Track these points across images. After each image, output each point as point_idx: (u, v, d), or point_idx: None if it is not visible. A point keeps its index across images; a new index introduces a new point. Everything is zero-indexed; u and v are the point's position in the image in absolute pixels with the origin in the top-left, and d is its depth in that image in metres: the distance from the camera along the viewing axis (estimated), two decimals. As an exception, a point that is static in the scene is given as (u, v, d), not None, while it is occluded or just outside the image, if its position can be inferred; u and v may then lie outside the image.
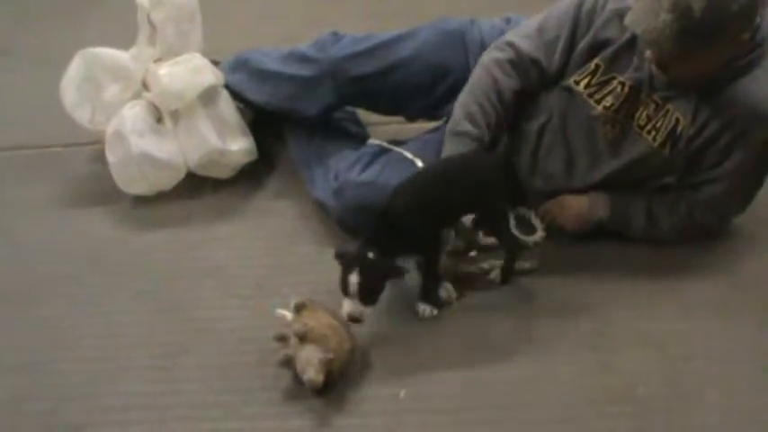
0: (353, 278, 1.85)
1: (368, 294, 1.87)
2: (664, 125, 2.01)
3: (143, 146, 2.36)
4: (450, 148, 2.09)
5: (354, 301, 1.87)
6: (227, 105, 2.46)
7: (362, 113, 2.52)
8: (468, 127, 2.09)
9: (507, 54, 2.11)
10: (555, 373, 1.89)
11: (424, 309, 2.02)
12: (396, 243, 1.91)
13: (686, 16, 1.77)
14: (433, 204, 1.94)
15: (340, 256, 1.91)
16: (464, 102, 2.12)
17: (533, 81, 2.12)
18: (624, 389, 1.84)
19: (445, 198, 1.95)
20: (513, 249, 2.05)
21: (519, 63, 2.10)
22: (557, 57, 2.08)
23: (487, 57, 2.14)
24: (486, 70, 2.12)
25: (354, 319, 1.88)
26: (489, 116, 2.09)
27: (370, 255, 1.87)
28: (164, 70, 2.42)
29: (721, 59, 1.91)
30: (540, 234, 2.11)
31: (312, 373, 1.80)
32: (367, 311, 1.89)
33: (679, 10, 1.77)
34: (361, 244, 1.90)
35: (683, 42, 1.82)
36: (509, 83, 2.10)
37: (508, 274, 2.06)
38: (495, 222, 2.02)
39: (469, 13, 2.39)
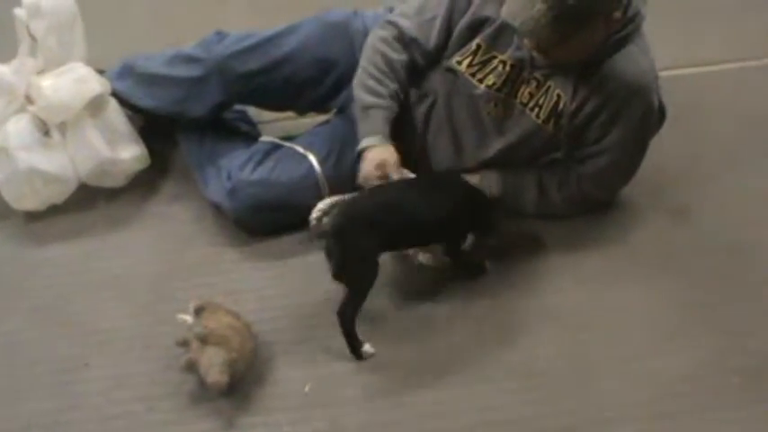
0: None
1: None
2: (546, 102, 2.05)
3: (31, 161, 2.30)
4: (364, 126, 2.11)
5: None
6: (115, 114, 2.41)
7: (254, 111, 2.50)
8: (371, 99, 2.11)
9: (391, 32, 2.14)
10: (453, 352, 1.91)
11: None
12: None
13: (559, 3, 1.81)
14: None
15: None
16: (360, 80, 2.15)
17: (417, 58, 2.15)
18: (523, 363, 1.87)
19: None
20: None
21: (401, 40, 2.13)
22: (434, 34, 2.11)
23: (373, 36, 2.17)
24: (374, 48, 2.15)
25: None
26: (389, 87, 2.12)
27: None
28: (47, 82, 2.36)
29: (597, 39, 1.95)
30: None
31: (216, 375, 1.79)
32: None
33: None
34: None
35: (559, 29, 1.86)
36: (398, 56, 2.13)
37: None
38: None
39: (353, 4, 2.38)
